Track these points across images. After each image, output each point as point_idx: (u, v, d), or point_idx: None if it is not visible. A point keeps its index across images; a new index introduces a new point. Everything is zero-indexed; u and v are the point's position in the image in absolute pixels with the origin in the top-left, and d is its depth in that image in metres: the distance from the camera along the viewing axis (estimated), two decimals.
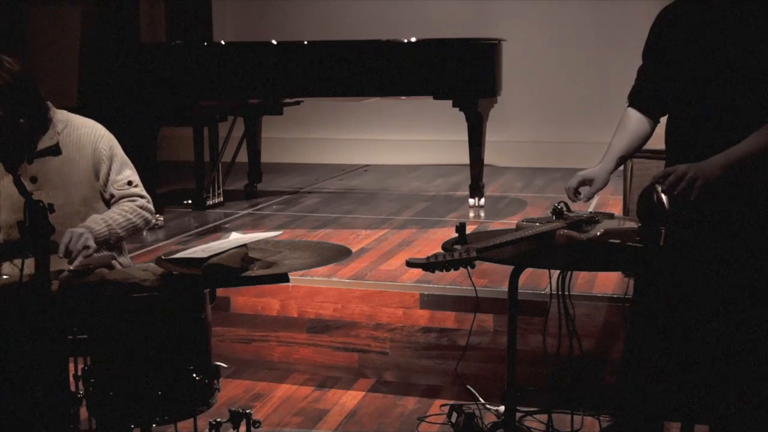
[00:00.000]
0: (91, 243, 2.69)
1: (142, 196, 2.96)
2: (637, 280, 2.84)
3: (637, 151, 2.74)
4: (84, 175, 2.89)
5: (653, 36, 2.67)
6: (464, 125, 5.62)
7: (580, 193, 2.66)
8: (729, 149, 2.40)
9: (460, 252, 2.28)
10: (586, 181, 2.64)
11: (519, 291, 2.73)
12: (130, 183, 2.95)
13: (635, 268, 2.65)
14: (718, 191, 2.39)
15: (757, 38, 2.41)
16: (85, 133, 2.92)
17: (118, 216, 2.86)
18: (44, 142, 2.86)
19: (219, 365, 2.50)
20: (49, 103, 2.90)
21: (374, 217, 5.47)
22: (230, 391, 3.68)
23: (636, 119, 2.72)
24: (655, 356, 2.68)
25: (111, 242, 2.85)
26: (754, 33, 2.42)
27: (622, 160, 2.72)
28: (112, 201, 2.94)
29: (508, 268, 2.70)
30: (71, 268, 2.63)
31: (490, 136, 5.86)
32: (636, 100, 2.74)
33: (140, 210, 2.92)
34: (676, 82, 2.58)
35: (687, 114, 2.57)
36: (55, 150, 2.85)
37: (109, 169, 2.92)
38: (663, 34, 2.63)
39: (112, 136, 2.97)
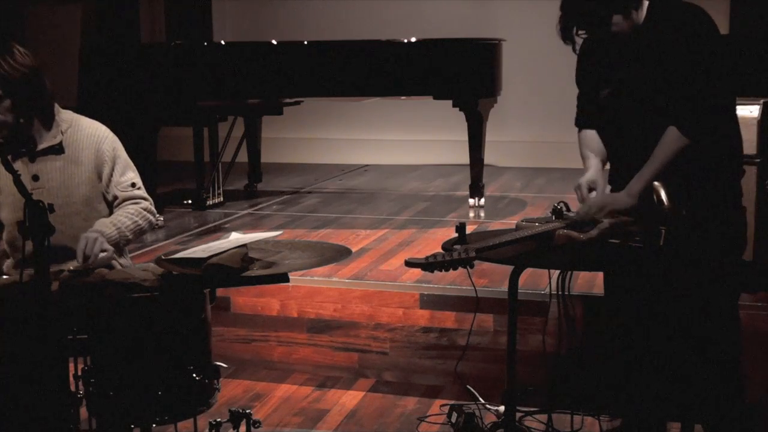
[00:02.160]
0: (107, 246, 2.72)
1: (145, 199, 2.97)
2: (605, 278, 2.88)
3: (607, 161, 2.80)
4: (86, 175, 2.90)
5: (581, 64, 2.80)
6: (464, 125, 5.62)
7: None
8: (634, 179, 2.56)
9: (459, 252, 2.28)
10: (592, 186, 2.67)
11: (519, 291, 2.74)
12: (133, 185, 2.96)
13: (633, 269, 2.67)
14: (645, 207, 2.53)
15: (659, 57, 2.55)
16: (88, 134, 2.93)
17: (125, 219, 2.87)
18: (47, 141, 2.86)
19: (219, 365, 2.50)
20: (55, 102, 2.91)
21: (374, 217, 5.47)
22: (230, 391, 3.68)
23: (594, 134, 2.80)
24: (637, 353, 2.74)
25: (120, 246, 2.85)
26: (657, 53, 2.56)
27: (603, 164, 2.76)
28: (116, 203, 2.94)
29: (508, 268, 2.70)
30: (71, 268, 2.64)
31: (490, 136, 5.86)
32: (586, 122, 2.82)
33: (145, 213, 2.93)
34: (605, 101, 2.71)
35: (617, 129, 2.71)
36: (58, 149, 2.86)
37: (112, 170, 2.93)
38: (589, 61, 2.75)
39: (115, 138, 2.98)
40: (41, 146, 2.86)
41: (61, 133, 2.88)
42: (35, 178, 2.85)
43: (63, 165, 2.87)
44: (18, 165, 2.83)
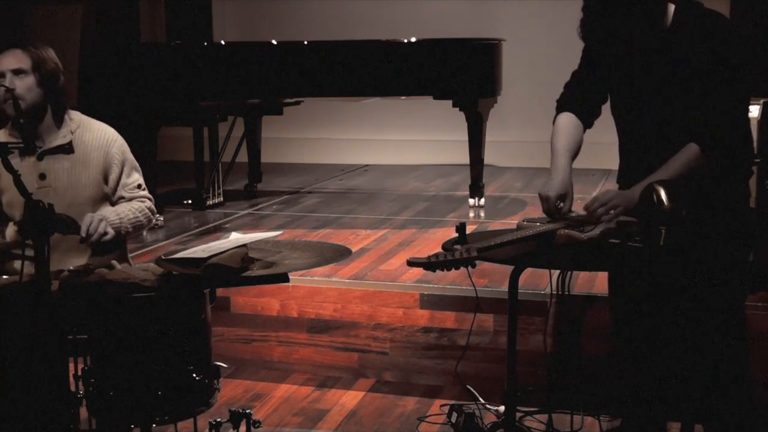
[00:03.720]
0: (110, 230, 2.79)
1: (149, 199, 3.06)
2: (610, 277, 2.87)
3: (578, 151, 2.71)
4: (93, 176, 2.95)
5: (589, 51, 2.73)
6: (464, 125, 5.62)
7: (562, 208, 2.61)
8: (651, 175, 2.47)
9: (461, 252, 2.28)
10: (561, 198, 2.58)
11: (519, 291, 2.73)
12: (139, 186, 3.05)
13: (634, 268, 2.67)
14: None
15: (684, 63, 2.50)
16: (97, 136, 3.00)
17: (128, 212, 2.95)
18: (57, 140, 2.92)
19: (219, 365, 2.50)
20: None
21: (374, 217, 5.47)
22: (230, 391, 3.68)
23: (572, 122, 2.72)
24: (639, 353, 2.75)
25: (121, 235, 2.90)
26: (682, 57, 2.50)
27: (573, 158, 2.67)
28: (121, 202, 3.02)
29: (508, 268, 2.70)
30: (71, 268, 2.64)
31: (490, 136, 5.85)
32: (571, 105, 2.74)
33: (147, 211, 3.02)
34: (618, 99, 2.67)
35: (632, 130, 2.66)
36: (68, 149, 2.91)
37: (121, 173, 3.01)
38: (600, 53, 2.68)
39: (123, 141, 3.07)
40: (51, 145, 2.90)
41: (71, 132, 2.93)
42: (42, 176, 2.89)
43: (71, 165, 2.92)
44: (26, 163, 2.85)
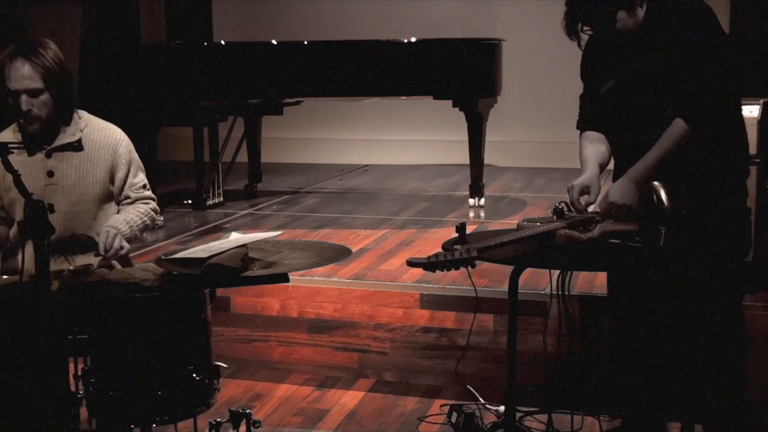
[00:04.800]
0: (126, 244, 2.82)
1: (153, 199, 3.08)
2: (609, 277, 2.88)
3: (607, 164, 2.77)
4: (100, 175, 2.97)
5: (585, 58, 2.79)
6: (464, 125, 5.62)
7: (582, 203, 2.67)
8: (637, 163, 2.55)
9: (461, 252, 2.28)
10: (584, 190, 2.65)
11: (519, 291, 2.73)
12: (144, 186, 3.07)
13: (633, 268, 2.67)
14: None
15: (662, 51, 2.55)
16: (105, 135, 3.01)
17: (136, 218, 2.97)
18: (66, 137, 2.93)
19: (219, 365, 2.51)
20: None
21: (374, 217, 5.47)
22: (230, 391, 3.68)
23: (597, 136, 2.78)
24: (638, 352, 2.75)
25: (131, 241, 2.95)
26: (660, 47, 2.56)
27: (601, 168, 2.73)
28: (126, 202, 3.04)
29: (508, 268, 2.70)
30: (72, 267, 2.64)
31: (490, 136, 5.85)
32: (588, 124, 2.80)
33: (152, 213, 3.05)
34: (608, 96, 2.70)
35: (621, 123, 2.69)
36: (77, 146, 2.91)
37: (128, 173, 3.03)
38: (593, 56, 2.76)
39: (129, 141, 3.08)
40: (60, 142, 2.91)
41: (80, 130, 2.95)
42: (50, 174, 2.90)
43: (79, 163, 2.93)
44: (34, 160, 2.86)
